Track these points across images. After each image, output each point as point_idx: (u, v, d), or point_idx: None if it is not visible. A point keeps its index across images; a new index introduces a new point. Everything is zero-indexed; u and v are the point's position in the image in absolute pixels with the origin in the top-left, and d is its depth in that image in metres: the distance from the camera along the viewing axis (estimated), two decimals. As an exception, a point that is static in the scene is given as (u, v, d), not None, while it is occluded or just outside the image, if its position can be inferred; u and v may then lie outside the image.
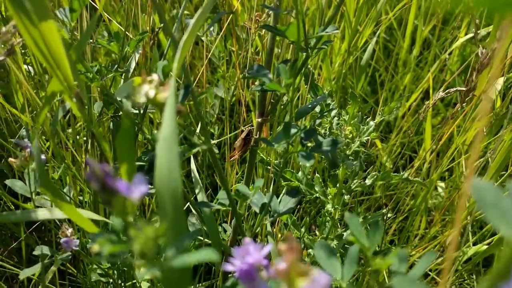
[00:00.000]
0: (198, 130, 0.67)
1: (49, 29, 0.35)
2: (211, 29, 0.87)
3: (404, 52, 1.17)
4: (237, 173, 0.92)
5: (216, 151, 0.99)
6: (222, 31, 0.79)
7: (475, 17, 0.82)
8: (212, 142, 0.90)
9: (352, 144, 0.55)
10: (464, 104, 0.58)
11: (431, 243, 0.88)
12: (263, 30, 0.79)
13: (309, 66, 0.58)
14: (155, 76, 0.35)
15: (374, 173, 0.58)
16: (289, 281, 0.26)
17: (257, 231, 0.52)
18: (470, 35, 1.02)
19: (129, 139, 0.39)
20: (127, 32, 0.78)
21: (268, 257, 0.32)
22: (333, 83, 0.99)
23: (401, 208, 1.07)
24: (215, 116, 0.95)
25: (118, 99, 0.53)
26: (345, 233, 0.64)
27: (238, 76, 0.88)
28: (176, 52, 0.41)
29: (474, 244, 0.96)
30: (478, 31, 0.92)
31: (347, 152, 0.54)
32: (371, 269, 0.38)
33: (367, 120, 0.58)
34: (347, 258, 0.41)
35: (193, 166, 0.62)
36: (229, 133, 0.93)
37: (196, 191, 0.60)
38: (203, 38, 0.86)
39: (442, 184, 1.08)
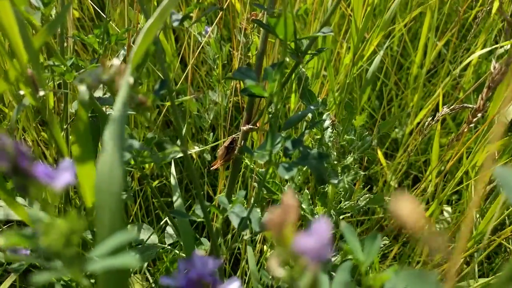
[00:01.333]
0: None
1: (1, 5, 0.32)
2: (208, 29, 0.84)
3: (416, 66, 1.13)
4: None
5: (209, 158, 0.95)
6: (211, 28, 0.76)
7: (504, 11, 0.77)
8: (204, 147, 0.87)
9: (344, 160, 0.51)
10: (471, 125, 0.54)
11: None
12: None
13: (302, 69, 0.55)
14: (115, 61, 0.32)
15: (367, 195, 0.54)
16: (280, 235, 0.22)
17: (233, 246, 0.48)
18: (487, 49, 0.98)
19: (85, 132, 0.36)
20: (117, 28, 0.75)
21: (215, 273, 0.29)
22: (337, 94, 0.95)
23: (403, 231, 1.01)
24: (209, 121, 0.92)
25: (93, 95, 0.50)
26: (333, 258, 0.59)
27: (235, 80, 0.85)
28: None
29: (481, 276, 0.90)
30: (497, 45, 0.88)
31: (338, 168, 0.50)
32: (364, 286, 0.35)
33: (364, 135, 0.54)
34: (338, 274, 0.37)
35: (172, 170, 0.59)
36: (224, 139, 0.90)
37: (174, 198, 0.57)
38: (199, 39, 0.83)
39: (449, 209, 1.03)
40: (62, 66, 0.49)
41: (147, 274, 0.85)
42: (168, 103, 0.62)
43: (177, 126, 0.40)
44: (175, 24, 0.41)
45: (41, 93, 0.35)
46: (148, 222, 0.93)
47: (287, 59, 0.49)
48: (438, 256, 0.95)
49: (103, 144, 0.27)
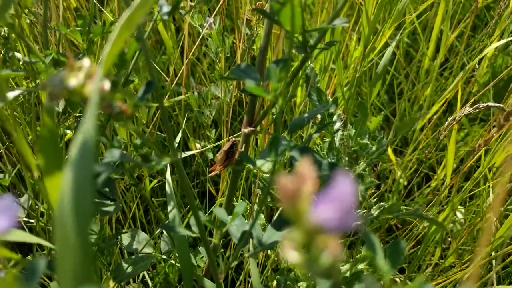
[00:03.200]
0: (178, 138, 0.58)
1: None
2: (211, 21, 0.77)
3: (427, 59, 1.06)
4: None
5: (211, 156, 0.89)
6: (211, 19, 0.69)
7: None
8: (206, 148, 0.81)
9: (356, 166, 0.44)
10: (502, 128, 0.47)
11: (447, 279, 0.77)
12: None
13: (312, 65, 0.48)
14: (86, 62, 0.26)
15: (381, 203, 0.47)
16: (293, 208, 0.17)
17: (232, 265, 0.43)
18: (504, 40, 0.90)
19: (52, 141, 0.29)
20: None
21: None
22: (346, 89, 0.88)
23: (414, 232, 0.95)
24: (211, 117, 0.86)
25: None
26: (344, 267, 0.54)
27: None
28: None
29: (498, 283, 0.84)
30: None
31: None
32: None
33: (379, 137, 0.48)
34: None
35: (168, 177, 0.53)
36: (228, 137, 0.84)
37: (169, 208, 0.51)
38: (200, 30, 0.76)
39: (462, 209, 0.96)
40: (41, 63, 0.43)
41: (147, 277, 0.80)
42: (167, 103, 0.55)
43: (167, 134, 0.34)
44: (165, 17, 0.35)
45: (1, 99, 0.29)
46: (146, 221, 0.88)
47: (293, 51, 0.43)
48: (449, 259, 0.89)
49: (65, 171, 0.21)
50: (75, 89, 0.24)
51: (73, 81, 0.24)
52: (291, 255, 0.17)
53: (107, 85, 0.26)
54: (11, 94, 0.34)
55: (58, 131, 0.30)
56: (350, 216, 0.15)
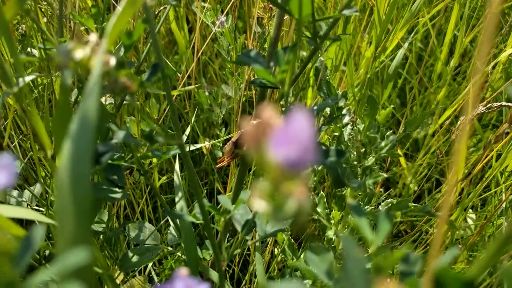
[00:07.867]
0: (187, 131, 0.58)
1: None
2: (223, 19, 0.77)
3: (440, 63, 1.04)
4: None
5: (220, 154, 0.89)
6: (224, 15, 0.69)
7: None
8: (214, 141, 0.81)
9: (365, 161, 0.43)
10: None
11: None
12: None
13: (321, 58, 0.48)
14: (92, 37, 0.26)
15: (390, 200, 0.46)
16: (258, 152, 0.17)
17: (235, 253, 0.42)
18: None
19: (67, 119, 0.29)
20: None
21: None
22: (356, 90, 0.87)
23: (423, 238, 0.93)
24: (222, 116, 0.86)
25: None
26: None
27: (248, 74, 0.78)
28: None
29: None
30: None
31: (358, 169, 0.43)
32: (373, 266, 0.29)
33: (388, 133, 0.47)
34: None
35: (176, 167, 0.53)
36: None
37: (176, 199, 0.51)
38: (213, 28, 0.76)
39: (473, 215, 0.94)
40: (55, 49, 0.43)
41: (153, 273, 0.79)
42: (177, 92, 0.55)
43: (172, 116, 0.34)
44: (173, 2, 0.35)
45: (20, 82, 0.29)
46: (155, 218, 0.87)
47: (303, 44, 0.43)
48: (459, 265, 0.87)
49: (67, 140, 0.21)
50: (81, 61, 0.24)
51: (80, 52, 0.23)
52: (258, 204, 0.17)
53: (112, 60, 0.26)
54: (27, 78, 0.34)
55: (72, 109, 0.30)
56: (308, 152, 0.15)
